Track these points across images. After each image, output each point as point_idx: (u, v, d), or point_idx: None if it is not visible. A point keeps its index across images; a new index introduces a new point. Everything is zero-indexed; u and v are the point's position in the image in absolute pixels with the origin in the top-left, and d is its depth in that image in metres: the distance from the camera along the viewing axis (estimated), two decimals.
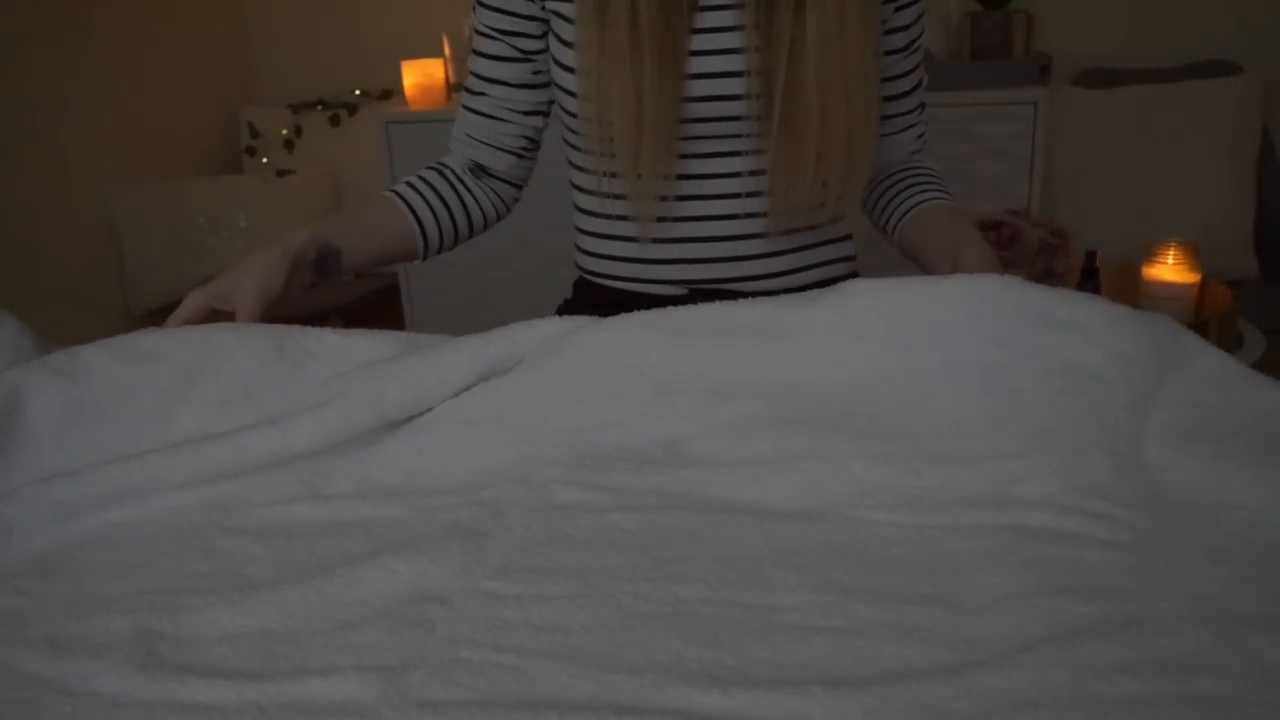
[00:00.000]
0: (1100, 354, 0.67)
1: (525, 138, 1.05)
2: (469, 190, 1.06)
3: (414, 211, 1.01)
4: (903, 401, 0.67)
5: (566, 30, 0.94)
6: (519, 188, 1.10)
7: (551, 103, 1.05)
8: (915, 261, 1.00)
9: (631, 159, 0.92)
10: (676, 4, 0.89)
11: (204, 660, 0.49)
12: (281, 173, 2.85)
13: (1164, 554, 0.54)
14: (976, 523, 0.57)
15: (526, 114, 1.03)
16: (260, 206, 2.67)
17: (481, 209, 1.07)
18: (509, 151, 1.05)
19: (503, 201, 1.09)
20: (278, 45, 3.07)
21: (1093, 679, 0.44)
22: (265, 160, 2.90)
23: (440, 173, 1.05)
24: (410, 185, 1.03)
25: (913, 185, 1.04)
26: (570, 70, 0.94)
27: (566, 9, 0.94)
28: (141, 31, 2.66)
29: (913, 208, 1.01)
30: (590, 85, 0.91)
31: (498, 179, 1.07)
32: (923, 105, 1.07)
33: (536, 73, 1.01)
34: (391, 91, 2.94)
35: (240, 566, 0.57)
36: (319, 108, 2.91)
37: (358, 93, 2.95)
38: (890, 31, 0.98)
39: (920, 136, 1.08)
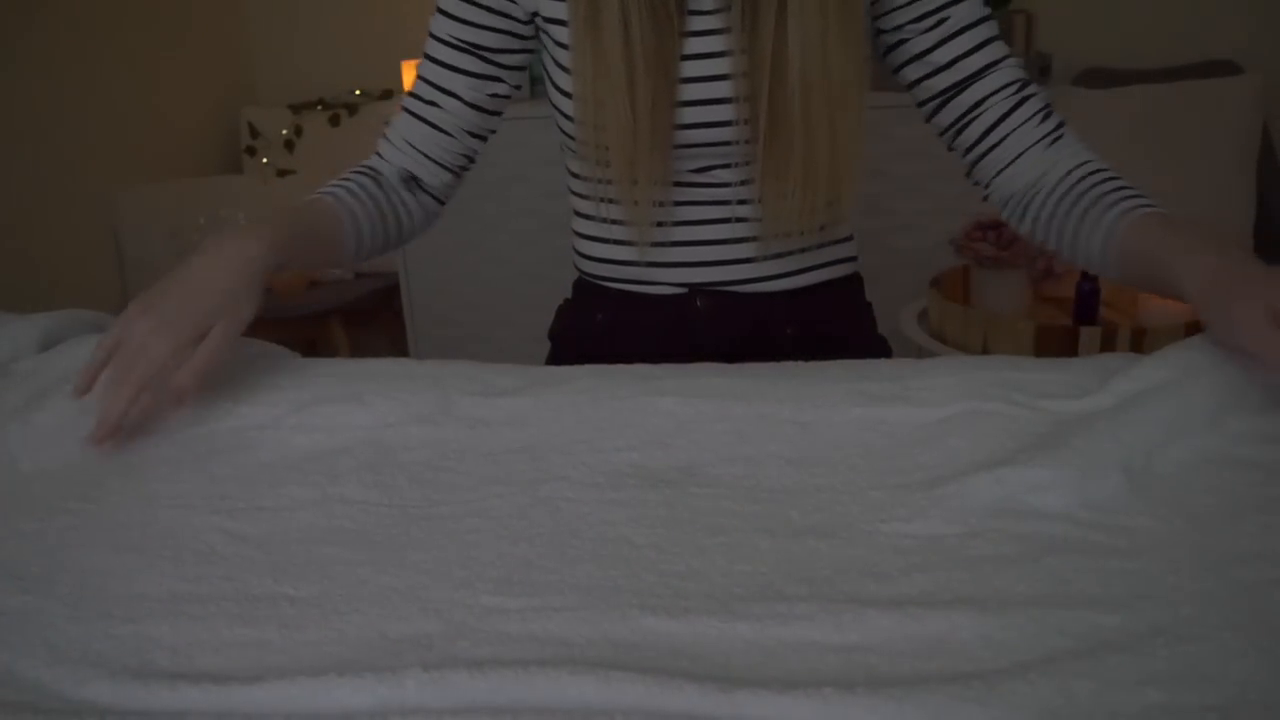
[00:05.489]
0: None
1: (465, 156, 1.03)
2: (404, 204, 1.02)
3: (357, 225, 0.96)
4: (917, 440, 0.68)
5: (562, 55, 0.94)
6: (443, 204, 1.07)
7: (493, 131, 1.03)
8: (1151, 282, 0.82)
9: (627, 170, 0.91)
10: (668, 19, 0.88)
11: (197, 668, 0.48)
12: (281, 173, 2.84)
13: (1185, 562, 0.53)
14: (996, 533, 0.57)
15: (472, 134, 1.01)
16: (260, 206, 2.67)
17: (414, 223, 1.03)
18: (447, 168, 1.02)
19: (427, 217, 1.05)
20: (278, 45, 3.06)
21: (1115, 690, 0.43)
22: (265, 160, 2.89)
23: (377, 182, 1.00)
24: (352, 194, 0.97)
25: (1101, 198, 0.92)
26: (567, 94, 0.94)
27: (561, 33, 0.93)
28: (142, 31, 2.66)
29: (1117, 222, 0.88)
30: (588, 111, 0.90)
31: (427, 193, 1.04)
32: (1020, 81, 0.93)
33: (492, 95, 0.99)
34: (392, 91, 2.94)
35: (239, 573, 0.56)
36: (319, 108, 2.91)
37: (358, 93, 2.94)
38: (919, 18, 0.92)
39: (1046, 116, 0.95)
